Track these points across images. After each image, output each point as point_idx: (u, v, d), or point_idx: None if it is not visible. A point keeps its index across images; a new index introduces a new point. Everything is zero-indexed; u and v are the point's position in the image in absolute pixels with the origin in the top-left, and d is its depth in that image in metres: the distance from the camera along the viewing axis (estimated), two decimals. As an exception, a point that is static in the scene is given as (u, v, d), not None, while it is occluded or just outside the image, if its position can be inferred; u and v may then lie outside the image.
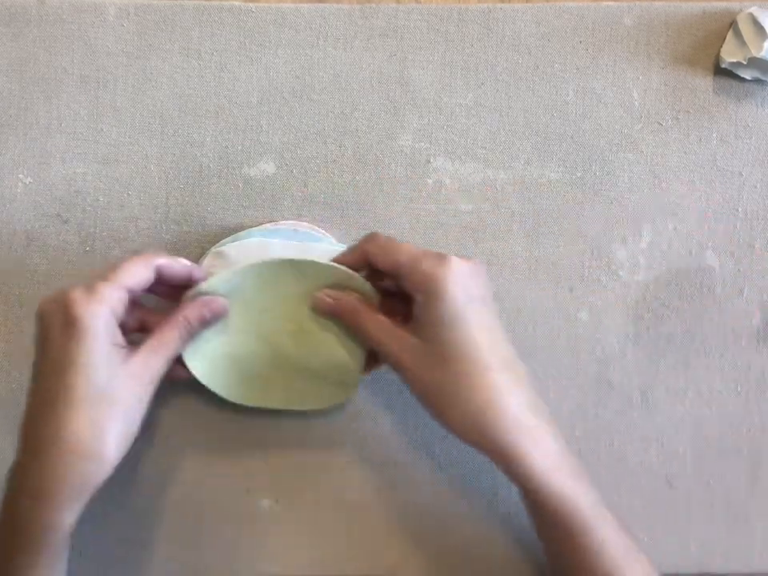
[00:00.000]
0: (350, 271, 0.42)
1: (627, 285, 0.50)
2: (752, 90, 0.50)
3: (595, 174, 0.50)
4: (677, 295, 0.50)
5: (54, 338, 0.38)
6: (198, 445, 0.48)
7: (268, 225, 0.48)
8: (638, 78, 0.50)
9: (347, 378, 0.45)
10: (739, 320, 0.50)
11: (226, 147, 0.49)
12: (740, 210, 0.50)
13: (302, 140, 0.49)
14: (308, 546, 0.48)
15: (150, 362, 0.40)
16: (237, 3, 0.49)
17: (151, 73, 0.49)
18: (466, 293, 0.40)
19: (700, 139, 0.50)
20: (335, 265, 0.42)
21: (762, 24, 0.47)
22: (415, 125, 0.49)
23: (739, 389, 0.50)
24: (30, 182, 0.49)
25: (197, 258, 0.47)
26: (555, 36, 0.50)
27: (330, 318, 0.44)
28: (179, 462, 0.48)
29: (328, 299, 0.43)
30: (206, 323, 0.42)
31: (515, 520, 0.48)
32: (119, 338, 0.40)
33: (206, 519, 0.48)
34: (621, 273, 0.50)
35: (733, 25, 0.49)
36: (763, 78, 0.49)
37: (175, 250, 0.48)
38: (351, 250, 0.43)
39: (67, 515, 0.38)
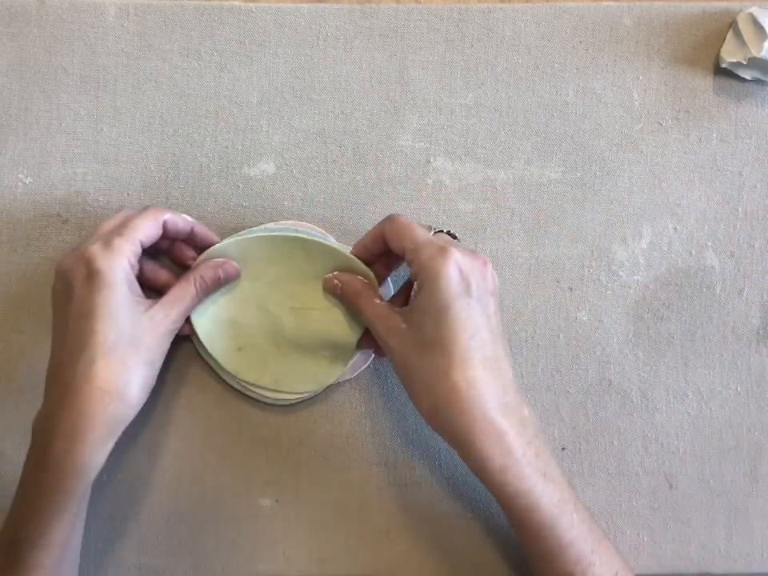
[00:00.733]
0: (353, 257, 0.44)
1: (627, 285, 0.50)
2: (752, 90, 0.50)
3: (595, 174, 0.50)
4: (677, 295, 0.50)
5: (77, 290, 0.40)
6: (197, 444, 0.48)
7: (268, 225, 0.48)
8: (638, 78, 0.50)
9: (340, 357, 0.46)
10: (739, 320, 0.50)
11: (226, 147, 0.49)
12: (740, 210, 0.50)
13: (301, 140, 0.49)
14: (308, 546, 0.48)
15: (170, 314, 0.42)
16: (237, 3, 0.49)
17: (151, 73, 0.49)
18: (459, 287, 0.40)
19: (700, 139, 0.50)
20: (340, 249, 0.45)
21: (762, 24, 0.47)
22: (415, 125, 0.49)
23: (739, 389, 0.50)
24: (29, 182, 0.49)
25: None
26: (555, 36, 0.50)
27: (331, 300, 0.46)
28: (179, 462, 0.48)
29: (335, 281, 0.45)
30: (218, 284, 0.45)
31: (515, 520, 0.48)
32: (137, 289, 0.42)
33: (206, 518, 0.48)
34: (621, 273, 0.50)
35: (733, 25, 0.49)
36: (763, 78, 0.49)
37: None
38: (371, 231, 0.44)
39: (99, 455, 0.40)
